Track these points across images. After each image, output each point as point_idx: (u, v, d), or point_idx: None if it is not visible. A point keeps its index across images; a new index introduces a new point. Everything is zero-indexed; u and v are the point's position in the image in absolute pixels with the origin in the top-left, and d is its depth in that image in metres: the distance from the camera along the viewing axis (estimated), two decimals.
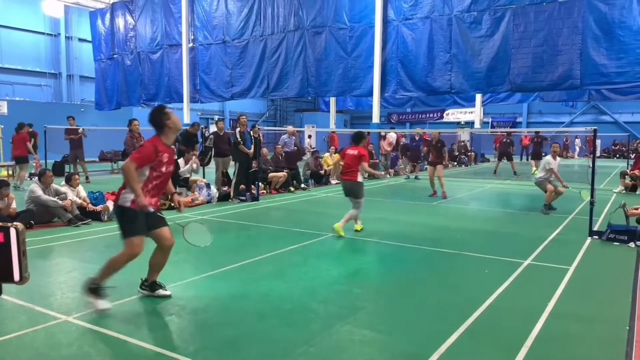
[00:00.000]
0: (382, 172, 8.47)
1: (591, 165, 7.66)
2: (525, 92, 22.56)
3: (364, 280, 5.57)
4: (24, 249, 1.35)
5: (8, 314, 4.34)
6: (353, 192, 7.55)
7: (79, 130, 15.96)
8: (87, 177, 15.44)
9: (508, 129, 32.67)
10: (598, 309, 4.63)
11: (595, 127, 8.23)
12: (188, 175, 11.44)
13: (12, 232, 1.32)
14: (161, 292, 4.72)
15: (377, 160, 17.82)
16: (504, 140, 19.45)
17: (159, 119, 4.44)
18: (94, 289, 4.36)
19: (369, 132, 18.38)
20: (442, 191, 12.41)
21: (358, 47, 17.10)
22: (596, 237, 7.44)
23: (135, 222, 4.32)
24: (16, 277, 1.36)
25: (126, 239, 4.33)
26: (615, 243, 7.15)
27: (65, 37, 30.13)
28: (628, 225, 7.28)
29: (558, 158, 10.36)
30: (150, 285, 4.73)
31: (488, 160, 28.87)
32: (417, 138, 18.04)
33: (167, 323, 4.22)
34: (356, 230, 7.80)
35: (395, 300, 4.85)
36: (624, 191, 13.13)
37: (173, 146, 4.69)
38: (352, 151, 7.55)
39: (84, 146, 16.10)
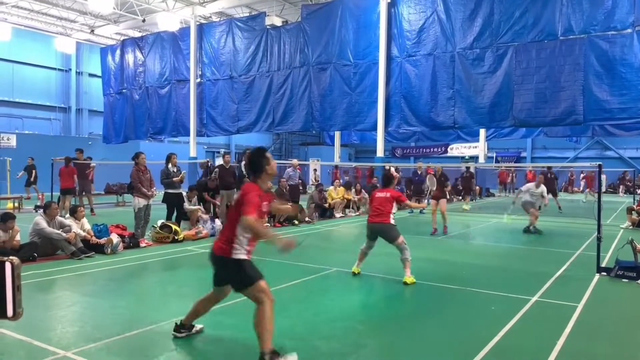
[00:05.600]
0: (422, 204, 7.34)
1: (596, 200, 7.61)
2: (528, 128, 22.72)
3: (367, 317, 5.47)
4: (19, 284, 1.32)
5: (6, 348, 4.28)
6: (385, 234, 6.96)
7: (91, 165, 16.19)
8: (91, 210, 15.44)
9: (512, 164, 32.70)
10: (609, 347, 4.51)
11: (600, 163, 8.21)
12: (192, 208, 11.42)
13: (7, 266, 1.29)
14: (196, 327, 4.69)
15: None
16: (549, 176, 18.98)
17: (259, 162, 4.11)
18: (272, 356, 3.87)
19: (373, 167, 18.42)
20: (444, 225, 11.82)
21: (362, 83, 17.36)
22: (604, 273, 7.32)
23: (255, 268, 4.05)
24: (9, 312, 1.33)
25: (254, 289, 3.93)
26: (624, 280, 7.03)
27: (76, 72, 30.78)
28: (636, 261, 7.17)
29: None
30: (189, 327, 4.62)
31: (493, 195, 28.78)
32: (419, 172, 18.05)
33: (167, 359, 4.14)
34: (405, 283, 6.72)
35: (399, 338, 4.75)
36: (630, 227, 12.99)
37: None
38: (381, 194, 7.18)
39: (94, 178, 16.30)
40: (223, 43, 20.83)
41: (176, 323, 4.55)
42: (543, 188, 12.28)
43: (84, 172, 15.74)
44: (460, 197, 20.85)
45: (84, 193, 15.64)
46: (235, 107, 20.50)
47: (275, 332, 4.74)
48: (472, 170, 21.01)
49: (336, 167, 23.77)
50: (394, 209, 7.06)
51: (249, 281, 3.94)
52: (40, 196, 17.55)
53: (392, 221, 7.01)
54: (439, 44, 15.73)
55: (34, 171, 18.95)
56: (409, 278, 6.79)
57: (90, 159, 17.00)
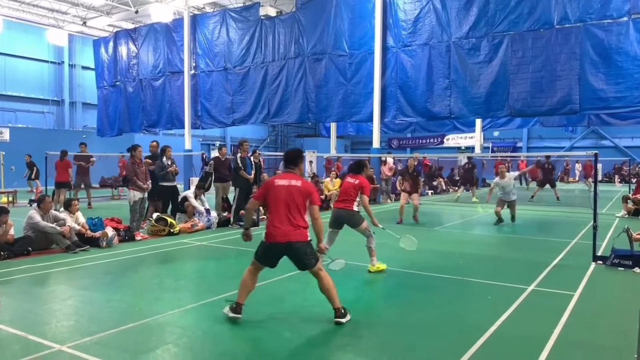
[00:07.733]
0: (380, 226, 7.32)
1: (593, 190, 7.60)
2: (524, 117, 22.64)
3: (365, 308, 5.46)
4: None
5: (1, 342, 4.24)
6: (349, 221, 6.94)
7: (92, 159, 16.13)
8: (89, 204, 15.38)
9: (508, 154, 32.73)
10: (605, 336, 4.52)
11: (597, 152, 8.19)
12: (197, 205, 11.31)
13: None
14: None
15: (378, 185, 17.75)
16: (547, 166, 19.25)
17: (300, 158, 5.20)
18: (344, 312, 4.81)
19: (369, 158, 18.42)
20: (415, 214, 12.40)
21: (358, 74, 17.24)
22: (600, 262, 7.34)
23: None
24: None
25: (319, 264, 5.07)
26: (620, 268, 7.04)
27: (69, 64, 30.53)
28: (632, 250, 7.19)
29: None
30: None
31: (489, 185, 28.83)
32: (415, 163, 18.02)
33: (163, 352, 4.12)
34: (369, 272, 6.88)
35: (397, 329, 4.74)
36: (626, 216, 13.03)
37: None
38: (351, 179, 7.07)
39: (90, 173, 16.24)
40: (217, 34, 20.64)
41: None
42: (509, 176, 12.26)
43: (85, 166, 15.73)
44: (457, 188, 20.86)
45: (82, 186, 15.62)
46: (230, 99, 20.35)
47: (271, 324, 4.73)
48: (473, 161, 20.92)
49: (327, 159, 23.41)
50: (355, 205, 6.93)
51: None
52: (38, 191, 17.45)
53: (356, 208, 6.96)
54: (434, 34, 15.62)
55: (35, 167, 18.97)
56: (372, 266, 6.86)
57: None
